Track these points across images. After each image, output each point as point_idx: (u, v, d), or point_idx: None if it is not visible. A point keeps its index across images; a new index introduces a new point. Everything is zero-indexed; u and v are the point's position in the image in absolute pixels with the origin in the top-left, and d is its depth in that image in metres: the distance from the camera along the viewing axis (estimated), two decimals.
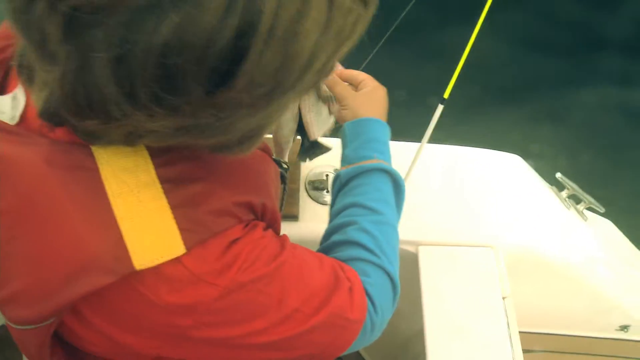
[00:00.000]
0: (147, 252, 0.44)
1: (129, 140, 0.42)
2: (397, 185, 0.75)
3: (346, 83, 0.84)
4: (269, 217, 0.57)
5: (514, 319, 1.10)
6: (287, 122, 0.90)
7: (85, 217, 0.45)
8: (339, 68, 0.86)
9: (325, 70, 0.43)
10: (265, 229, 0.55)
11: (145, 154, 0.47)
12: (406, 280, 1.20)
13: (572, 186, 1.34)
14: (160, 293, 0.46)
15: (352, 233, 0.69)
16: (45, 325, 0.47)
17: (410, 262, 1.19)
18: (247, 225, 0.52)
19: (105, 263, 0.44)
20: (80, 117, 0.38)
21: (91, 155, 0.46)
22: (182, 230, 0.46)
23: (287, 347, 0.55)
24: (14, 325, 0.49)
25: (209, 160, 0.51)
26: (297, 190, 1.23)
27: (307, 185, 1.24)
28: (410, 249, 1.19)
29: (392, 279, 0.68)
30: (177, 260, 0.45)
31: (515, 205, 1.27)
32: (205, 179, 0.49)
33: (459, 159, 1.34)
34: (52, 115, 0.42)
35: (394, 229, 0.73)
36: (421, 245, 1.18)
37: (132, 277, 0.45)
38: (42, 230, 0.46)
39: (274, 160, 0.69)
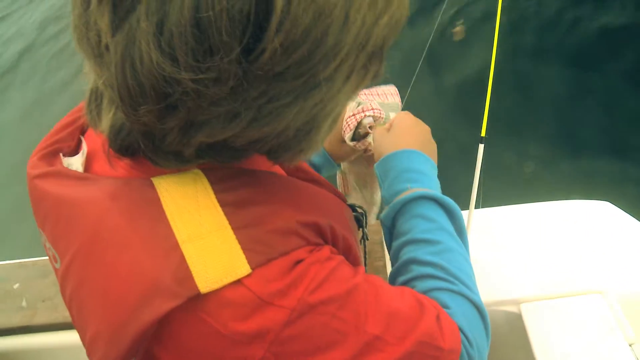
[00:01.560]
0: (211, 273, 0.43)
1: (186, 139, 0.42)
2: (448, 209, 0.69)
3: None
4: (341, 244, 0.54)
5: None
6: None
7: (146, 243, 0.45)
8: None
9: (367, 46, 0.42)
10: (335, 253, 0.52)
11: (205, 181, 0.48)
12: (514, 347, 1.12)
13: None
14: (225, 320, 0.44)
15: (415, 269, 0.64)
16: None
17: (515, 324, 1.11)
18: (314, 249, 0.49)
19: (168, 286, 0.43)
20: (134, 107, 0.39)
21: (152, 185, 0.48)
22: (246, 250, 0.44)
23: None
24: None
25: (269, 184, 0.52)
26: (384, 266, 1.23)
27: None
28: (512, 309, 1.12)
29: (477, 306, 0.62)
30: (239, 283, 0.44)
31: (618, 250, 1.18)
32: (267, 201, 0.49)
33: (547, 214, 1.30)
34: (118, 135, 0.46)
35: (460, 255, 0.66)
36: (523, 303, 1.11)
37: (197, 306, 0.44)
38: (106, 264, 0.46)
39: (348, 205, 0.69)
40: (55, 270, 0.56)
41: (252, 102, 0.39)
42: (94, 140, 0.59)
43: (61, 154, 0.59)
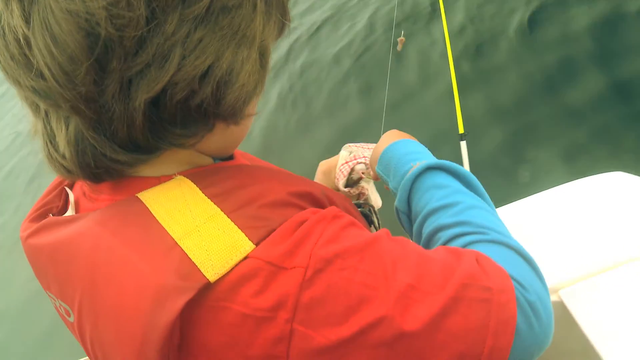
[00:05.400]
0: (215, 260, 0.42)
1: (130, 101, 0.42)
2: (455, 173, 0.66)
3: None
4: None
5: None
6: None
7: (143, 252, 0.44)
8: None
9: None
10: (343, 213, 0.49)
11: (189, 182, 0.49)
12: (563, 336, 1.05)
13: None
14: (245, 298, 0.41)
15: (443, 235, 0.59)
16: None
17: (559, 313, 1.04)
18: (317, 211, 0.47)
19: (174, 285, 0.41)
20: (69, 81, 0.40)
21: (137, 200, 0.48)
22: (245, 228, 0.44)
23: (426, 345, 0.43)
24: None
25: (252, 170, 0.52)
26: None
27: None
28: (552, 298, 1.05)
29: (517, 251, 0.56)
30: (246, 258, 0.42)
31: None
32: (254, 183, 0.49)
33: (562, 197, 1.25)
34: (77, 147, 0.46)
35: (485, 210, 0.62)
36: (561, 289, 1.05)
37: (213, 297, 0.42)
38: (111, 289, 0.45)
39: (355, 203, 0.68)
40: (71, 326, 0.54)
41: (173, 37, 0.41)
42: (80, 188, 0.59)
43: (50, 214, 0.59)
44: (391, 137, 0.79)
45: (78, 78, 0.41)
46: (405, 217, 0.69)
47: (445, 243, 0.59)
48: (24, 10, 0.40)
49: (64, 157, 0.48)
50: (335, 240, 0.44)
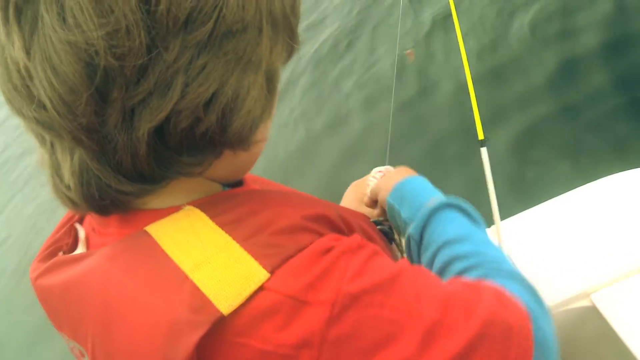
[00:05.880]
0: (228, 291, 0.40)
1: (133, 132, 0.41)
2: (466, 212, 0.69)
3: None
4: (360, 235, 0.51)
5: None
6: None
7: (154, 287, 0.43)
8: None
9: (273, 6, 0.44)
10: (366, 241, 0.48)
11: (198, 211, 0.47)
12: (596, 341, 1.02)
13: None
14: (266, 334, 0.40)
15: (458, 265, 0.60)
16: None
17: (591, 317, 1.01)
18: (341, 238, 0.46)
19: (187, 320, 0.40)
20: (70, 112, 0.39)
21: (145, 233, 0.47)
22: (258, 257, 0.42)
23: None
24: None
25: (261, 195, 0.51)
26: None
27: None
28: (583, 303, 1.03)
29: (526, 284, 0.58)
30: (263, 290, 0.40)
31: None
32: (265, 209, 0.47)
33: (585, 199, 1.23)
34: (82, 178, 0.45)
35: (493, 245, 0.65)
36: (592, 293, 1.02)
37: (229, 332, 0.40)
38: (124, 327, 0.44)
39: (373, 221, 0.68)
40: None
41: (175, 64, 0.40)
42: (89, 224, 0.58)
43: (61, 252, 0.58)
44: (406, 172, 0.81)
45: (79, 109, 0.39)
46: (417, 246, 0.70)
47: (461, 273, 0.60)
48: (25, 41, 0.39)
49: (69, 188, 0.47)
50: (361, 274, 0.43)
